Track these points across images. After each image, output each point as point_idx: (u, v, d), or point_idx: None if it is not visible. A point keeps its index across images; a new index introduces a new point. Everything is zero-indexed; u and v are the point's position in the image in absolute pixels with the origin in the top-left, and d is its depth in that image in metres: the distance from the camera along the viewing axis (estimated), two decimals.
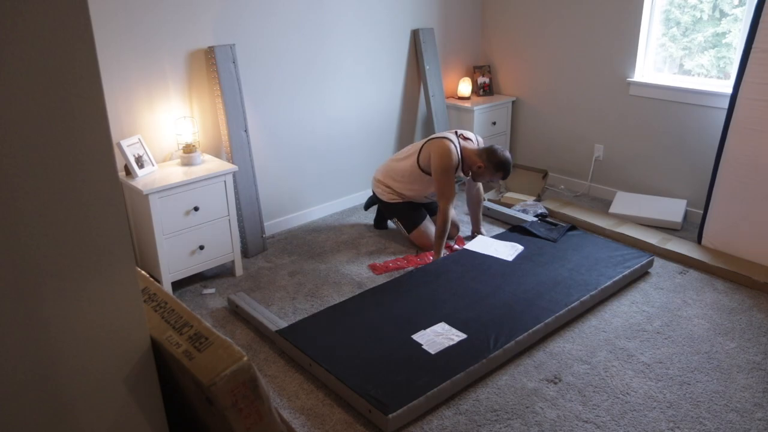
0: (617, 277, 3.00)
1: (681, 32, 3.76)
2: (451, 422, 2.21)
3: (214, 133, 3.36)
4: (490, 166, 3.26)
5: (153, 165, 3.00)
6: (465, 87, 4.50)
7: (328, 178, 4.00)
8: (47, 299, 1.16)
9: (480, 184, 3.61)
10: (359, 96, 3.99)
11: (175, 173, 2.97)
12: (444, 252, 3.35)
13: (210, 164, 3.09)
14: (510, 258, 3.20)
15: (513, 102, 4.63)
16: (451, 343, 2.50)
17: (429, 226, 3.52)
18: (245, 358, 1.28)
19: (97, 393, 1.28)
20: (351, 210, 4.12)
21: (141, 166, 2.92)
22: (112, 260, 1.23)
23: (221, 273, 3.29)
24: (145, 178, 2.90)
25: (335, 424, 2.22)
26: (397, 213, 3.57)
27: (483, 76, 4.64)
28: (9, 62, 1.02)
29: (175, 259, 2.97)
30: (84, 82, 1.10)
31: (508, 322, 2.63)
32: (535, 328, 2.60)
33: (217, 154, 3.40)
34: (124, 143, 2.88)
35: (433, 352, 2.44)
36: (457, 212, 3.96)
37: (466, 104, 4.39)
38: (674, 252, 3.35)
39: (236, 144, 3.30)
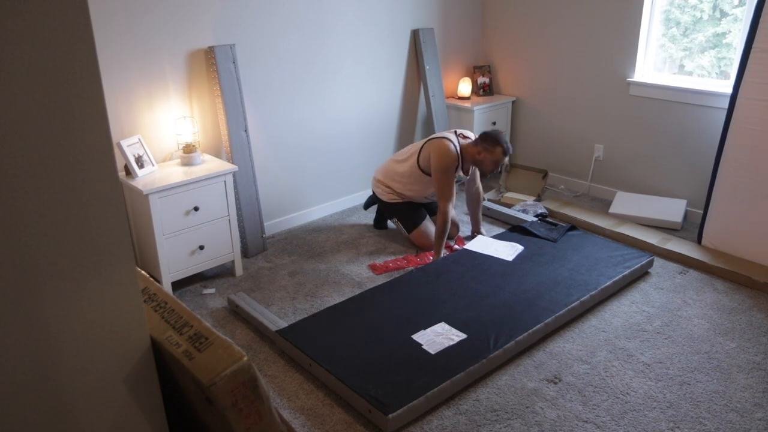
0: (617, 277, 3.00)
1: (681, 32, 3.76)
2: (451, 422, 2.21)
3: (214, 133, 3.36)
4: (488, 146, 3.25)
5: (153, 165, 3.00)
6: (465, 87, 4.50)
7: (328, 178, 4.00)
8: (47, 299, 1.16)
9: (479, 184, 3.61)
10: (359, 96, 3.99)
11: (175, 173, 2.97)
12: (444, 252, 3.35)
13: (210, 164, 3.09)
14: (510, 258, 3.20)
15: (513, 102, 4.63)
16: (451, 343, 2.50)
17: (429, 226, 3.52)
18: (245, 358, 1.28)
19: (97, 393, 1.28)
20: (351, 210, 4.12)
21: (141, 166, 2.92)
22: (112, 260, 1.23)
23: (221, 273, 3.29)
24: (145, 178, 2.90)
25: (335, 424, 2.22)
26: (397, 213, 3.57)
27: (483, 76, 4.64)
28: (9, 62, 1.02)
29: (175, 259, 2.97)
30: (84, 82, 1.10)
31: (508, 322, 2.63)
32: (535, 328, 2.60)
33: (217, 154, 3.40)
34: (124, 143, 2.88)
35: (433, 352, 2.44)
36: (457, 212, 3.96)
37: (466, 104, 4.39)
38: (674, 252, 3.35)
39: (236, 144, 3.30)
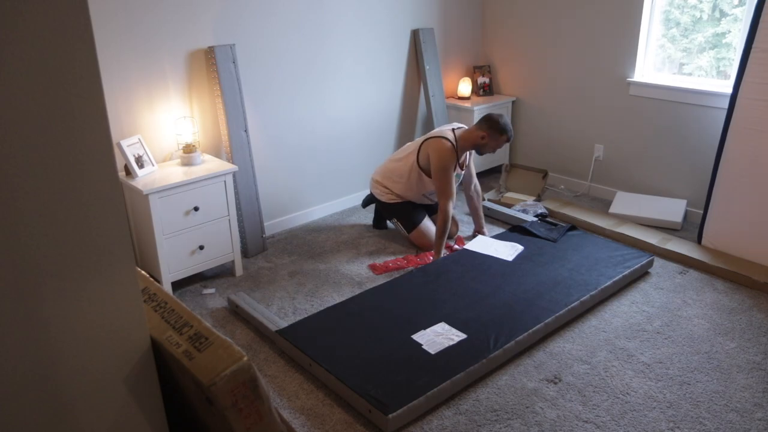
0: (617, 277, 3.00)
1: (681, 32, 3.76)
2: (451, 422, 2.21)
3: (214, 133, 3.36)
4: (494, 132, 3.27)
5: (153, 165, 3.00)
6: (465, 87, 4.50)
7: (328, 178, 4.00)
8: (47, 299, 1.16)
9: (477, 181, 3.61)
10: (359, 96, 3.99)
11: (175, 173, 2.97)
12: (444, 252, 3.35)
13: (210, 164, 3.09)
14: (510, 258, 3.20)
15: (513, 102, 4.63)
16: (451, 343, 2.50)
17: (429, 226, 3.52)
18: (245, 358, 1.28)
19: (97, 393, 1.28)
20: (351, 210, 4.12)
21: (141, 166, 2.92)
22: (112, 260, 1.23)
23: (221, 273, 3.29)
24: (145, 178, 2.90)
25: (335, 424, 2.22)
26: (397, 213, 3.57)
27: (483, 76, 4.64)
28: (9, 62, 1.02)
29: (175, 259, 2.97)
30: (84, 82, 1.10)
31: (508, 322, 2.63)
32: (535, 328, 2.60)
33: (217, 154, 3.40)
34: (124, 143, 2.88)
35: (433, 352, 2.44)
36: (457, 212, 3.96)
37: (466, 104, 4.39)
38: (674, 252, 3.35)
39: (236, 144, 3.30)
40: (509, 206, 4.05)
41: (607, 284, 2.94)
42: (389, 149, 4.31)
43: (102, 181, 1.17)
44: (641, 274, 3.19)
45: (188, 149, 3.09)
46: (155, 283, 1.61)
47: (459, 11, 4.47)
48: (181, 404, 1.54)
